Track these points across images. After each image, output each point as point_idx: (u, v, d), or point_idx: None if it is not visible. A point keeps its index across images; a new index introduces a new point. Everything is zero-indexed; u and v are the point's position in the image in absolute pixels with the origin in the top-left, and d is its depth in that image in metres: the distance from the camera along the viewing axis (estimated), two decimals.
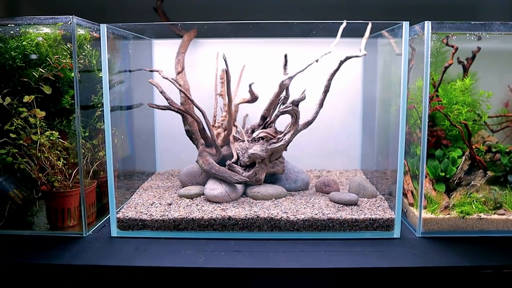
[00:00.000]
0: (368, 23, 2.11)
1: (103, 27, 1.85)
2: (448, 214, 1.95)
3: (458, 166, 2.05)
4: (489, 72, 2.27)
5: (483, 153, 2.08)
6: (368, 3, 2.69)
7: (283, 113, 2.03)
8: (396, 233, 1.93)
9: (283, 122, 2.31)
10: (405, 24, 1.86)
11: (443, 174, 2.05)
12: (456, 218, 1.94)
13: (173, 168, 2.75)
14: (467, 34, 2.03)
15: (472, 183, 2.04)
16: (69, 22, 1.84)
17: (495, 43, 2.23)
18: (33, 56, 1.96)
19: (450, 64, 2.08)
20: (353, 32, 2.13)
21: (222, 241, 1.88)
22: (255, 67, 2.59)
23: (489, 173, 2.04)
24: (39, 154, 1.93)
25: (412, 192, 2.08)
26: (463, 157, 2.05)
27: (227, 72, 1.99)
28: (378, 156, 2.52)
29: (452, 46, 2.08)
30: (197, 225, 1.93)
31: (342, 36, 2.10)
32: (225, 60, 1.95)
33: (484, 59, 2.23)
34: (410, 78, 2.13)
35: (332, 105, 2.10)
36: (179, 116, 2.31)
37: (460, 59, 2.21)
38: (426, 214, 1.95)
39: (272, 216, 1.92)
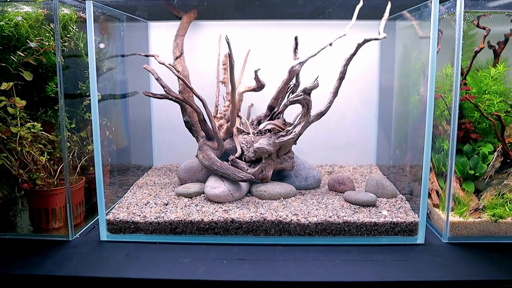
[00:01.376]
0: (388, 2, 1.89)
1: (89, 4, 1.62)
2: (479, 217, 1.73)
3: (489, 163, 1.82)
4: None
5: None
6: None
7: (293, 102, 1.81)
8: (420, 238, 1.72)
9: (291, 113, 2.10)
10: (435, 2, 1.62)
11: (472, 172, 1.82)
12: (488, 222, 1.72)
13: (172, 163, 2.54)
14: (499, 15, 1.80)
15: (504, 182, 1.82)
16: None
17: None
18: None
19: (482, 49, 1.84)
20: (370, 14, 1.90)
21: (224, 247, 1.68)
22: (262, 51, 2.37)
23: None
24: (19, 148, 1.72)
25: (437, 192, 1.86)
26: (495, 153, 1.82)
27: (230, 56, 1.76)
28: (395, 151, 2.30)
29: (484, 28, 1.84)
30: (196, 228, 1.72)
31: (358, 18, 1.88)
32: (228, 43, 1.72)
33: None
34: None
35: (345, 95, 1.88)
36: (176, 106, 2.09)
37: (491, 43, 1.97)
38: (453, 217, 1.74)
39: (281, 218, 1.71)
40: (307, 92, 1.79)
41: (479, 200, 1.80)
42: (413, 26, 2.04)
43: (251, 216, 1.72)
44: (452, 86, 1.81)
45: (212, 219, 1.71)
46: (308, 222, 1.70)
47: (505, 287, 1.43)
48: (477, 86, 1.87)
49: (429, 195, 1.90)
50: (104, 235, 1.74)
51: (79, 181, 1.85)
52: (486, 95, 1.86)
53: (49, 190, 1.75)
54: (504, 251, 1.65)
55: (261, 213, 1.74)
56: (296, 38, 1.89)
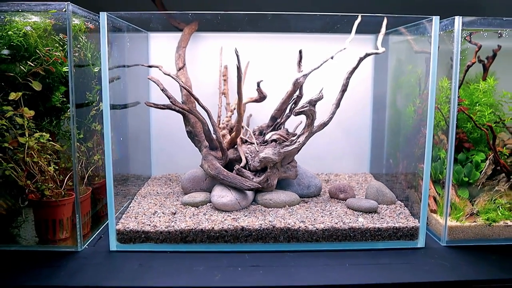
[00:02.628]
0: (384, 18, 1.98)
1: (103, 16, 1.64)
2: (474, 221, 1.84)
3: (482, 171, 1.94)
4: (507, 71, 2.17)
5: (505, 157, 1.97)
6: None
7: (299, 113, 1.87)
8: (421, 242, 1.81)
9: (290, 123, 2.17)
10: (435, 19, 1.72)
11: (466, 179, 1.93)
12: (482, 225, 1.83)
13: (170, 172, 2.55)
14: (482, 31, 1.93)
15: (496, 188, 1.94)
16: (64, 10, 1.62)
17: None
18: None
19: (473, 63, 1.97)
20: (365, 28, 2.00)
21: (235, 255, 1.71)
22: (260, 63, 2.42)
23: None
24: (27, 159, 1.70)
25: (434, 198, 1.95)
26: (487, 161, 1.94)
27: (238, 69, 1.81)
28: (389, 160, 2.40)
29: (476, 44, 1.97)
30: (207, 236, 1.74)
31: (356, 32, 1.97)
32: (237, 55, 1.77)
33: (502, 58, 2.13)
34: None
35: (340, 105, 1.96)
36: (176, 116, 2.11)
37: (480, 57, 2.10)
38: (450, 222, 1.83)
39: (289, 226, 1.76)
40: (313, 103, 1.86)
41: (472, 206, 1.91)
42: (408, 41, 2.15)
43: (260, 224, 1.76)
44: (448, 98, 1.92)
45: (222, 227, 1.75)
46: (315, 228, 1.76)
47: (506, 286, 1.53)
48: (469, 99, 1.99)
49: None
50: (113, 245, 1.74)
51: (86, 191, 1.85)
52: (477, 107, 1.98)
53: (58, 200, 1.74)
54: (499, 252, 1.75)
55: (269, 221, 1.79)
56: (300, 52, 1.96)
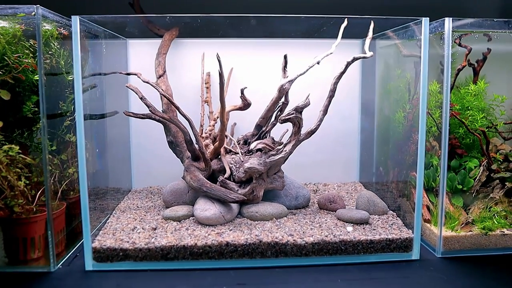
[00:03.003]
0: (371, 22, 1.92)
1: (75, 20, 1.54)
2: (470, 231, 1.76)
3: (476, 178, 1.87)
4: (497, 75, 2.12)
5: (499, 163, 1.91)
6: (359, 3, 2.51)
7: (285, 121, 1.79)
8: (415, 254, 1.72)
9: (276, 132, 2.08)
10: (425, 21, 1.66)
11: (460, 186, 1.86)
12: (478, 235, 1.76)
13: (151, 185, 2.43)
14: (472, 33, 1.88)
15: (490, 195, 1.87)
16: (33, 13, 1.52)
17: (504, 44, 2.08)
18: None
19: (464, 67, 1.91)
20: (352, 32, 1.94)
21: (220, 272, 1.61)
22: (244, 70, 2.34)
23: (508, 184, 1.87)
24: None
25: (428, 207, 1.87)
26: (481, 168, 1.87)
27: (221, 75, 1.72)
28: (379, 168, 2.32)
29: (465, 47, 1.91)
30: (190, 253, 1.64)
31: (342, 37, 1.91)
32: (219, 61, 1.69)
33: (492, 61, 2.08)
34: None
35: (327, 113, 1.89)
36: (157, 126, 2.01)
37: (470, 61, 2.04)
38: (445, 232, 1.76)
39: (277, 240, 1.66)
40: (299, 110, 1.78)
41: (467, 214, 1.84)
42: (396, 45, 2.09)
43: (246, 238, 1.66)
44: (438, 102, 1.86)
45: (206, 242, 1.64)
46: (304, 242, 1.66)
47: None
48: (460, 103, 1.93)
49: None
50: (89, 264, 1.63)
51: (60, 207, 1.73)
52: (469, 111, 1.92)
53: (29, 217, 1.62)
54: (496, 263, 1.68)
55: (256, 235, 1.69)
56: (285, 57, 1.88)
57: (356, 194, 2.25)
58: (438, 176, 1.85)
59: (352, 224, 1.79)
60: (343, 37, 1.89)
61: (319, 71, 1.96)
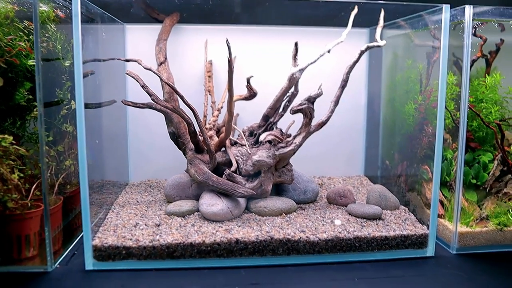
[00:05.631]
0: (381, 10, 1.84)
1: (76, 1, 1.42)
2: (485, 226, 1.71)
3: (490, 172, 1.81)
4: (508, 67, 2.07)
5: None
6: None
7: (296, 111, 1.70)
8: (430, 251, 1.66)
9: (282, 123, 1.99)
10: (445, 8, 1.58)
11: (474, 181, 1.81)
12: (493, 231, 1.71)
13: (150, 178, 2.32)
14: (488, 23, 1.81)
15: (504, 190, 1.82)
16: None
17: None
18: None
19: (479, 57, 1.85)
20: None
21: (230, 271, 1.52)
22: (249, 58, 2.24)
23: None
24: None
25: (441, 202, 1.82)
26: (495, 162, 1.82)
27: (230, 62, 1.62)
28: (384, 161, 2.26)
29: (481, 37, 1.85)
30: (197, 251, 1.54)
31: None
32: (228, 47, 1.59)
33: (504, 52, 2.02)
34: (433, 73, 1.88)
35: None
36: (156, 116, 1.90)
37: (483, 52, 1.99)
38: (460, 228, 1.70)
39: (289, 236, 1.58)
40: (312, 100, 1.70)
41: (480, 209, 1.79)
42: (405, 34, 2.02)
43: (257, 235, 1.58)
44: (453, 94, 1.80)
45: (214, 240, 1.55)
46: (318, 239, 1.58)
47: None
48: (474, 95, 1.87)
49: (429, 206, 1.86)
50: (89, 263, 1.52)
51: (57, 202, 1.61)
52: (483, 104, 1.86)
53: (23, 213, 1.50)
54: None
55: (266, 232, 1.61)
56: (296, 44, 1.78)
57: (362, 188, 2.19)
58: (452, 170, 1.79)
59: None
60: (354, 26, 1.81)
61: (324, 60, 1.87)
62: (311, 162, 2.39)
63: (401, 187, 2.06)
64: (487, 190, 1.82)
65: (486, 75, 1.88)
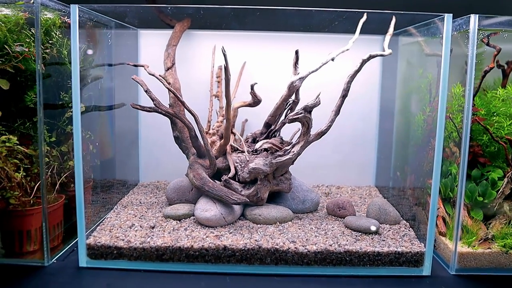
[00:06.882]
0: (392, 17, 1.79)
1: (74, 8, 1.48)
2: (489, 248, 1.62)
3: (499, 190, 1.71)
4: None
5: None
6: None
7: (292, 120, 1.69)
8: (426, 269, 1.60)
9: (288, 131, 1.98)
10: (447, 17, 1.52)
11: (481, 198, 1.72)
12: (498, 253, 1.61)
13: (159, 179, 2.38)
14: (502, 32, 1.71)
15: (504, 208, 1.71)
16: (32, 1, 1.47)
17: None
18: None
19: (491, 68, 1.75)
20: (375, 28, 1.81)
21: (215, 277, 1.53)
22: (258, 64, 2.24)
23: None
24: None
25: (444, 219, 1.74)
26: (505, 179, 1.72)
27: (226, 69, 1.64)
28: (396, 172, 2.19)
29: (494, 47, 1.75)
30: (185, 255, 1.57)
31: (362, 32, 1.78)
32: (224, 55, 1.60)
33: None
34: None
35: (343, 112, 1.75)
36: (165, 119, 1.95)
37: (500, 62, 1.88)
38: (461, 247, 1.62)
39: (277, 246, 1.57)
40: (308, 110, 1.68)
41: (487, 229, 1.69)
42: (419, 42, 1.95)
43: (245, 243, 1.58)
44: (461, 106, 1.72)
45: (202, 245, 1.57)
46: (306, 250, 1.57)
47: None
48: (486, 108, 1.78)
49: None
50: (83, 261, 1.58)
51: (58, 200, 1.69)
52: (495, 117, 1.76)
53: (24, 210, 1.59)
54: None
55: (255, 240, 1.61)
56: (297, 52, 1.77)
57: (369, 200, 2.13)
58: (456, 186, 1.71)
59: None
60: (363, 32, 1.77)
61: (335, 68, 1.84)
62: (321, 170, 2.36)
63: (409, 200, 1.99)
64: (495, 208, 1.72)
65: (499, 87, 1.78)
